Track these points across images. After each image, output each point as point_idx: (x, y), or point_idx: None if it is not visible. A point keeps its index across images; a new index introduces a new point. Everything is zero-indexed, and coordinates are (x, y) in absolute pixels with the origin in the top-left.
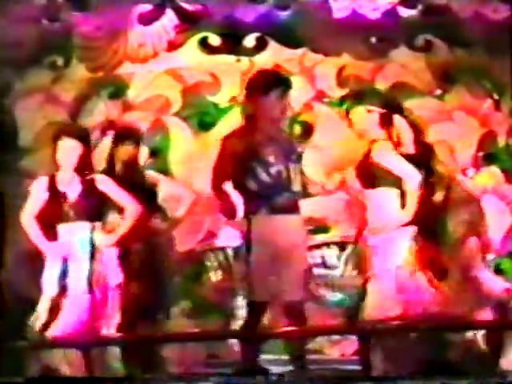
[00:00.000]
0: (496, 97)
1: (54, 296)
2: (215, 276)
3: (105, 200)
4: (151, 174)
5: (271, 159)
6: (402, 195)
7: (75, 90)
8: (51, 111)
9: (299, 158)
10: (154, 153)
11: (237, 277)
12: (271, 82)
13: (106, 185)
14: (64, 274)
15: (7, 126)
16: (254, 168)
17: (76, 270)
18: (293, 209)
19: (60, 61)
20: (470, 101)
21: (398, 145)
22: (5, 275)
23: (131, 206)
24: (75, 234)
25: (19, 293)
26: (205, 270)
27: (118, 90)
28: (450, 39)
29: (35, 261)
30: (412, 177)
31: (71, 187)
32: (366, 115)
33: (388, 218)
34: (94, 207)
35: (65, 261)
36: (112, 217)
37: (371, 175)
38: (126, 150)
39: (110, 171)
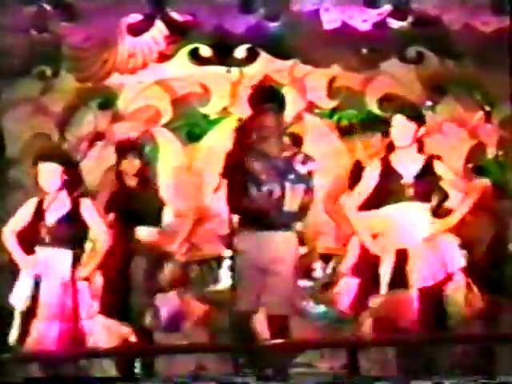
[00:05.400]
0: (487, 108)
1: (24, 310)
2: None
3: (85, 226)
4: None
5: (263, 177)
6: None
7: (64, 101)
8: (39, 122)
9: (300, 178)
10: None
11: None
12: (264, 96)
13: (87, 210)
14: (36, 290)
15: None
16: (247, 184)
17: (47, 291)
18: (282, 226)
19: (49, 71)
20: (461, 112)
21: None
22: None
23: (103, 238)
24: (51, 258)
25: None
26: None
27: (107, 101)
28: (440, 51)
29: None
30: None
31: (54, 211)
32: None
33: None
34: (74, 234)
35: (37, 278)
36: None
37: None
38: (131, 164)
39: (122, 187)
